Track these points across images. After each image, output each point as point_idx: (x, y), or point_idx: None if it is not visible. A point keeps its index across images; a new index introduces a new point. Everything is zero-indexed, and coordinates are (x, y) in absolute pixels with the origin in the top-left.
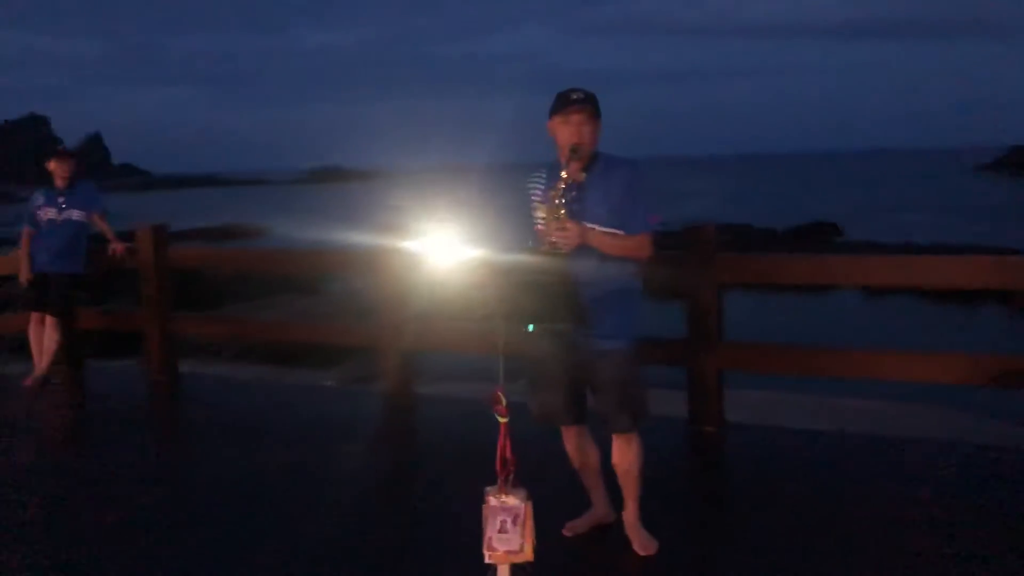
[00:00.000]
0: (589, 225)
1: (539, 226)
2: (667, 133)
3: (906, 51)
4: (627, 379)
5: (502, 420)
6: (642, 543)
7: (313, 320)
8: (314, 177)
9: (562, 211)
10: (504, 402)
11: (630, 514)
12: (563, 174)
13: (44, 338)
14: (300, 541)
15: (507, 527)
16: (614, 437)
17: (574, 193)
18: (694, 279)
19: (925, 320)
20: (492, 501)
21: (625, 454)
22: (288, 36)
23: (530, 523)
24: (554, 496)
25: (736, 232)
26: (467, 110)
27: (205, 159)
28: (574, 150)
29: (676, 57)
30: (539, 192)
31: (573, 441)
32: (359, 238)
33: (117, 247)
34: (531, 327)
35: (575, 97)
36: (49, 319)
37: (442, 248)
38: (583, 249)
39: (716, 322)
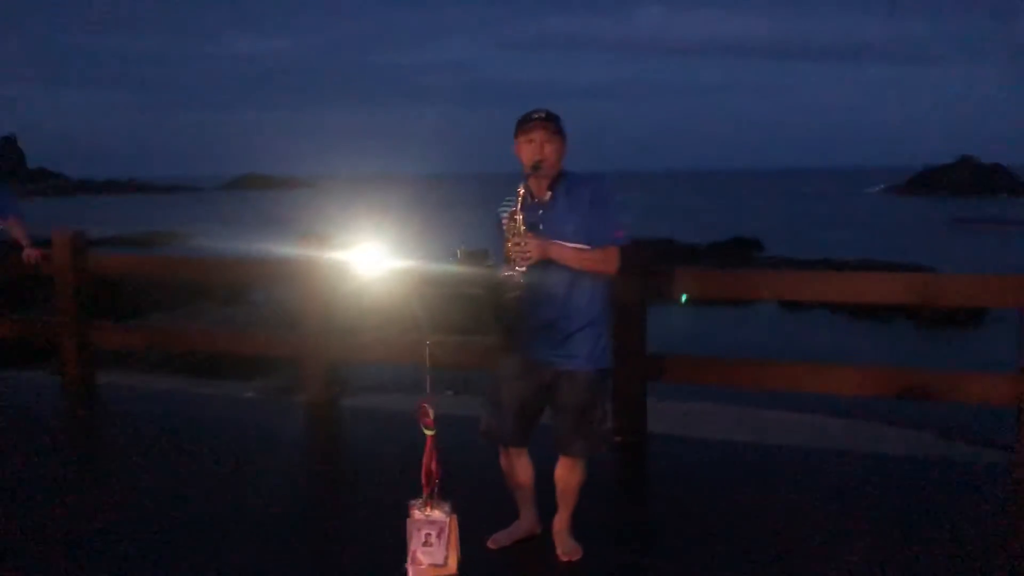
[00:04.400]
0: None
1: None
2: (594, 148)
3: (828, 74)
4: (588, 404)
5: (428, 433)
6: (567, 549)
7: (236, 330)
8: (238, 184)
9: (521, 227)
10: (431, 415)
11: (561, 522)
12: (519, 189)
13: None
14: (213, 558)
15: (432, 540)
16: (562, 457)
17: (540, 212)
18: (618, 292)
19: (840, 334)
20: (417, 514)
21: (571, 476)
22: (214, 41)
23: (455, 536)
24: (479, 509)
25: (659, 247)
26: (395, 120)
27: (126, 164)
28: (535, 167)
29: (604, 73)
30: (507, 215)
31: (511, 460)
32: (284, 247)
33: (32, 253)
34: (684, 298)
35: (536, 116)
36: None
37: (368, 258)
38: (550, 266)
39: (639, 334)
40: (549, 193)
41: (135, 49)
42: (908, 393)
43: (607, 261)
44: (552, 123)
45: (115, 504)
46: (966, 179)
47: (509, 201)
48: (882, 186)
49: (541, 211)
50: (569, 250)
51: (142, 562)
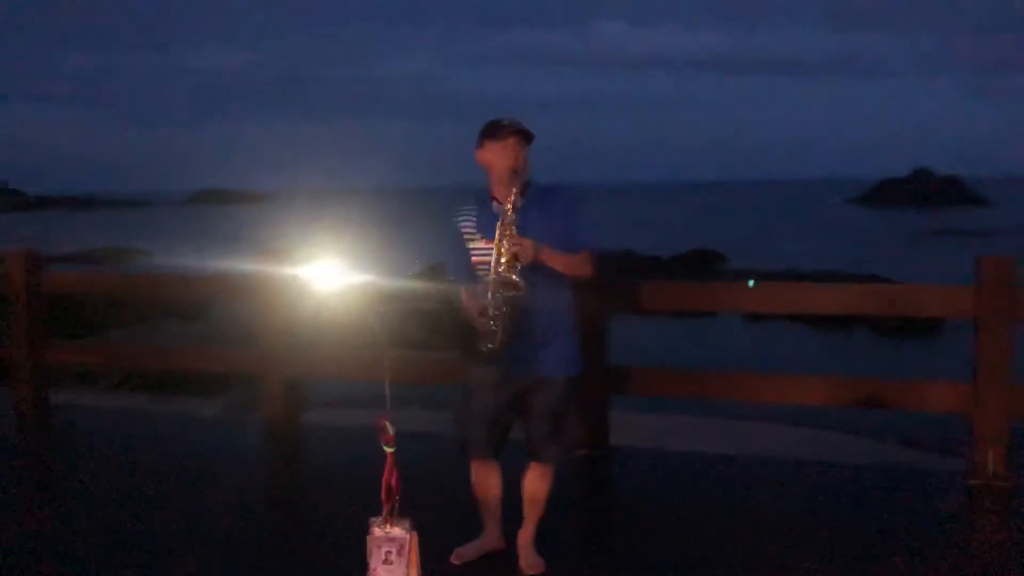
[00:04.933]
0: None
1: (476, 257)
2: (556, 161)
3: (788, 88)
4: (562, 410)
5: (388, 449)
6: (530, 562)
7: (195, 346)
8: (198, 199)
9: (513, 227)
10: (391, 431)
11: (526, 534)
12: (514, 190)
13: None
14: None
15: (392, 558)
16: (533, 465)
17: (516, 218)
18: (580, 305)
19: (802, 344)
20: (377, 531)
21: (538, 484)
22: (174, 55)
23: (415, 553)
24: (440, 525)
25: (622, 259)
26: (356, 134)
27: (85, 180)
28: (516, 172)
29: (568, 87)
30: (471, 225)
31: (482, 473)
32: (243, 262)
33: None
34: (752, 283)
35: (509, 123)
36: None
37: (327, 274)
38: (536, 273)
39: (602, 347)
40: (520, 200)
41: (93, 64)
42: (866, 402)
43: (585, 264)
44: (524, 131)
45: (69, 526)
46: (923, 191)
47: (467, 211)
48: (841, 198)
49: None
50: (554, 252)
51: None
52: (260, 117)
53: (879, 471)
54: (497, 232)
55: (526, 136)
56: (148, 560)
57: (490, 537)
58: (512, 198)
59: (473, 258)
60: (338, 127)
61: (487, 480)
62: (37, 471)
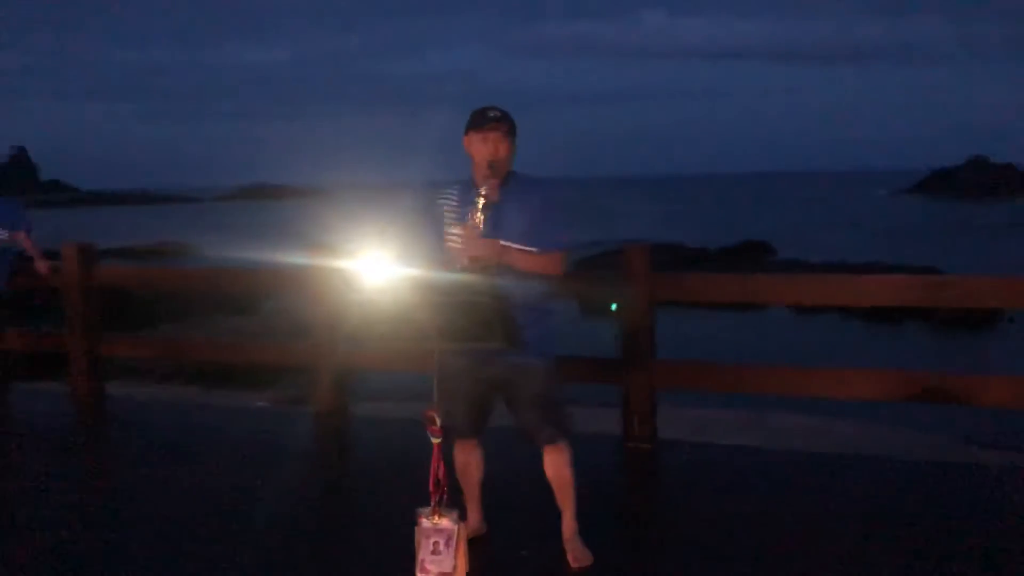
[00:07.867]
0: (504, 243)
1: (452, 243)
2: (603, 153)
3: (834, 77)
4: (548, 393)
5: (435, 440)
6: (576, 555)
7: (245, 340)
8: (245, 194)
9: (480, 228)
10: (438, 422)
11: (567, 526)
12: (482, 191)
13: None
14: (222, 569)
15: (440, 548)
16: (545, 450)
17: (490, 211)
18: (626, 298)
19: (852, 337)
20: (425, 523)
21: (558, 466)
22: (221, 52)
23: (463, 544)
24: (487, 516)
25: (669, 251)
26: (402, 128)
27: (135, 175)
28: (491, 166)
29: (612, 78)
30: (453, 209)
31: (465, 453)
32: (293, 257)
33: (42, 266)
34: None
35: (492, 115)
36: None
37: (375, 267)
38: (500, 267)
39: (648, 340)
40: (498, 193)
41: (144, 60)
42: (926, 396)
43: (552, 265)
44: (507, 123)
45: (124, 517)
46: (977, 180)
47: (448, 195)
48: (890, 189)
49: (491, 210)
50: (520, 254)
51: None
52: (311, 112)
53: (939, 466)
54: (463, 230)
55: (508, 130)
56: (202, 549)
57: (472, 521)
58: (484, 191)
59: (448, 242)
60: (384, 121)
61: (468, 458)
62: (91, 461)
